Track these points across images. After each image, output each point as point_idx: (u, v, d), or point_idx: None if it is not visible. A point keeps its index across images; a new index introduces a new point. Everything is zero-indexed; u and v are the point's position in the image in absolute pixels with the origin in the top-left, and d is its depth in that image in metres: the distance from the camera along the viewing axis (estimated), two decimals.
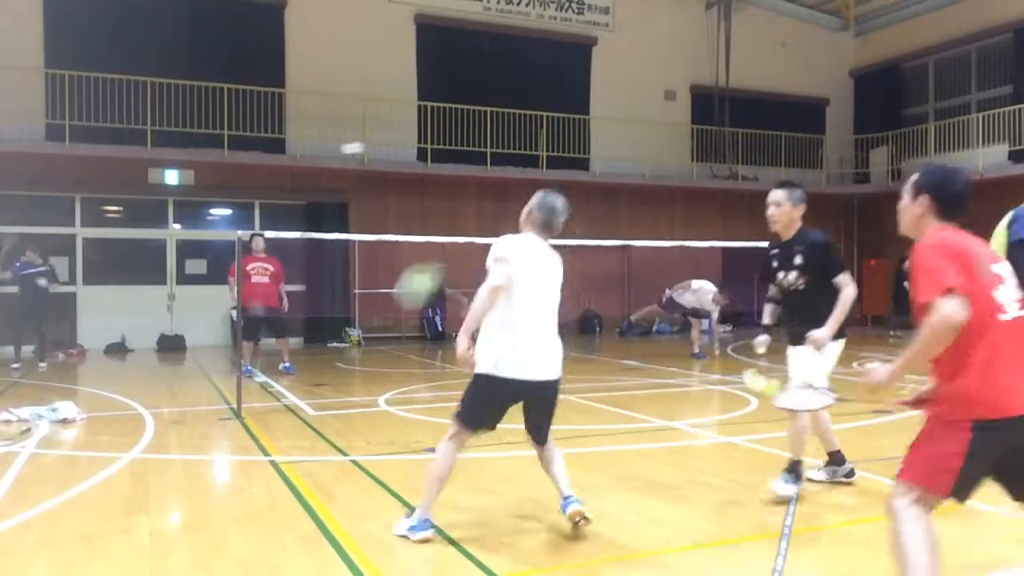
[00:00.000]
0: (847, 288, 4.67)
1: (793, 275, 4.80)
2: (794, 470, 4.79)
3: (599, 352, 14.82)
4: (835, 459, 5.10)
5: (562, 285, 4.21)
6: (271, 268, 11.29)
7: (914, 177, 3.04)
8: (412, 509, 4.15)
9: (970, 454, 2.70)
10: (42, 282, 12.59)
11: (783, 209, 4.82)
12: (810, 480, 4.99)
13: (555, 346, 4.11)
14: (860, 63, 22.83)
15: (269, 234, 10.89)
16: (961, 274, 2.64)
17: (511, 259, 3.99)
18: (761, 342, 5.15)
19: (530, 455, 5.67)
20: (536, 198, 4.24)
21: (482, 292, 3.90)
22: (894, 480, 2.93)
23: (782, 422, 7.41)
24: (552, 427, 4.22)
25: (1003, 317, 2.72)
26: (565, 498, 4.10)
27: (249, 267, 11.09)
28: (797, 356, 4.84)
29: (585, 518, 4.02)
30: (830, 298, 4.65)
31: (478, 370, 3.96)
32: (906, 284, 16.03)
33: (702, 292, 13.70)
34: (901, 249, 18.28)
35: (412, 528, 4.00)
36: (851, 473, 5.08)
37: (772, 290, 5.13)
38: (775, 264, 4.93)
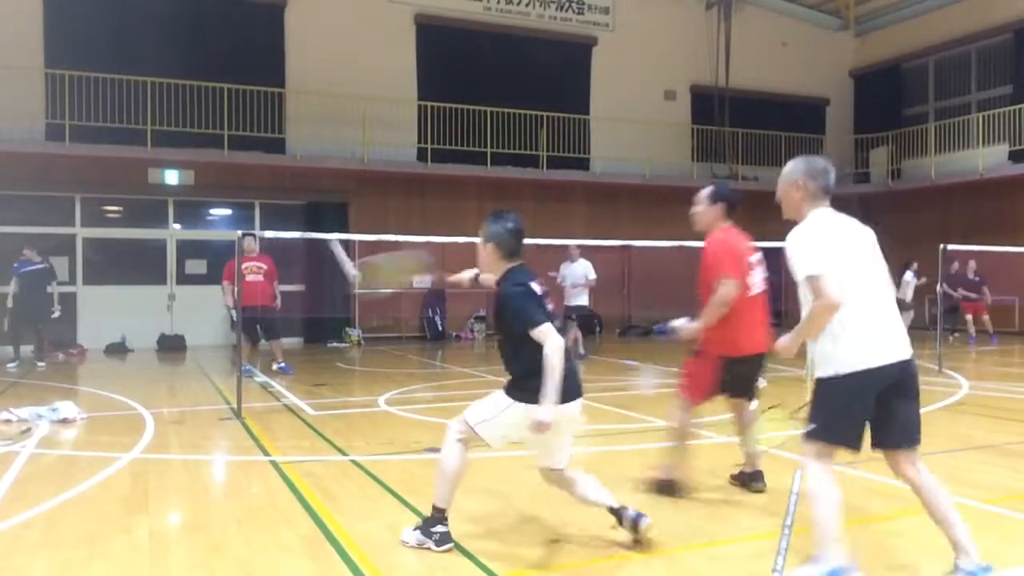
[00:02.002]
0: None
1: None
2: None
3: (599, 352, 14.81)
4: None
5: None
6: (264, 267, 11.27)
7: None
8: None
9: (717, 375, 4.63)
10: (49, 288, 12.63)
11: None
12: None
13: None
14: (860, 63, 22.84)
15: (269, 234, 10.88)
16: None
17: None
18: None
19: (530, 455, 5.68)
20: (799, 164, 3.54)
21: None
22: (676, 396, 4.71)
23: (782, 422, 7.42)
24: None
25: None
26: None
27: (243, 267, 11.06)
28: None
29: None
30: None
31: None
32: (951, 289, 15.90)
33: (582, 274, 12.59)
34: (909, 250, 18.29)
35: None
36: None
37: None
38: None
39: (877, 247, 3.50)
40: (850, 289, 3.24)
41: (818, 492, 3.28)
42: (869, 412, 3.30)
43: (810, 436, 3.36)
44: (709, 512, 4.56)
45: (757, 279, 4.81)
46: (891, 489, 4.97)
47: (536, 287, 3.90)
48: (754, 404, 4.82)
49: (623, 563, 3.77)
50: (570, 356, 3.85)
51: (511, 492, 4.97)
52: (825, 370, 3.33)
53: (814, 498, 3.30)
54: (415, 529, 3.95)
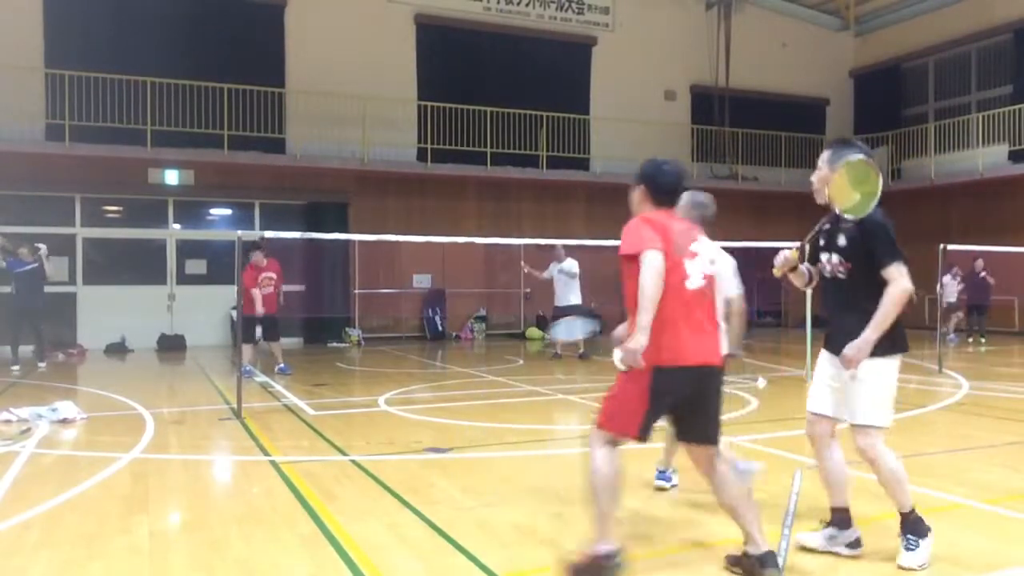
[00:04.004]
0: (895, 283, 3.53)
1: (835, 259, 3.76)
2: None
3: (599, 352, 14.80)
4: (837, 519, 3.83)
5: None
6: (274, 276, 11.34)
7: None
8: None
9: (652, 394, 3.34)
10: (46, 268, 12.53)
11: (821, 174, 3.80)
12: (803, 547, 3.84)
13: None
14: (860, 63, 22.85)
15: (269, 234, 10.87)
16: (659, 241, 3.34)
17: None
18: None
19: (530, 455, 5.67)
20: (686, 199, 4.36)
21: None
22: (592, 427, 3.54)
23: (782, 422, 7.42)
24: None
25: (689, 285, 3.43)
26: None
27: (259, 279, 11.14)
28: (838, 375, 3.73)
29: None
30: (878, 296, 3.56)
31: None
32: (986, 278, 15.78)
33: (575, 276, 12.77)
34: (909, 251, 18.26)
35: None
36: (856, 543, 3.76)
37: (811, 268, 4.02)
38: (821, 242, 3.86)
39: None
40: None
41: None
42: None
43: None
44: (709, 512, 4.56)
45: None
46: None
47: None
48: None
49: (623, 563, 3.77)
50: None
51: (511, 492, 4.97)
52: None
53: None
54: (911, 546, 3.60)
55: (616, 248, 3.44)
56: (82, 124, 14.97)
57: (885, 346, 3.57)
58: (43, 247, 12.57)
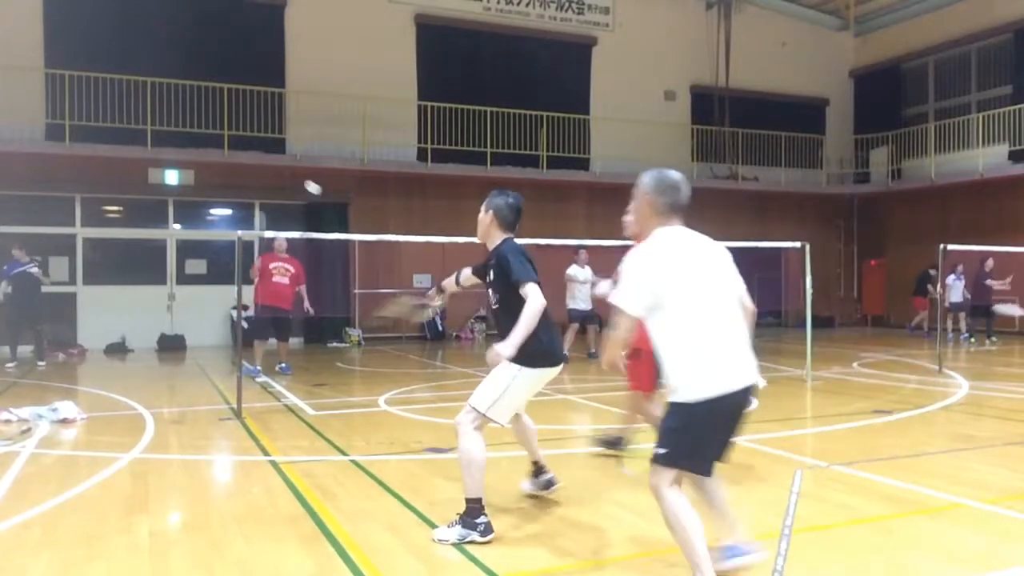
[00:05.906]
0: (530, 300, 3.99)
1: (490, 292, 4.34)
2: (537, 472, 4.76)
3: (599, 352, 14.81)
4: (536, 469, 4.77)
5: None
6: (292, 269, 11.24)
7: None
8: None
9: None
10: (36, 271, 12.58)
11: (479, 218, 4.38)
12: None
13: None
14: (860, 63, 22.84)
15: (268, 233, 10.90)
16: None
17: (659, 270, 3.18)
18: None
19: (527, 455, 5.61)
20: (649, 178, 3.54)
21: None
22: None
23: (783, 422, 7.42)
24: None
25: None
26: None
27: (271, 266, 11.07)
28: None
29: None
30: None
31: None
32: (988, 282, 15.68)
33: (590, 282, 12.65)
34: (910, 250, 18.25)
35: None
36: (550, 484, 4.74)
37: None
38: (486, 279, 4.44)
39: (732, 265, 3.40)
40: (695, 315, 3.12)
41: (679, 518, 3.16)
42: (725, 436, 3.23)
43: (659, 461, 3.17)
44: (709, 512, 4.56)
45: None
46: (890, 489, 4.98)
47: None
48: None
49: (623, 563, 3.78)
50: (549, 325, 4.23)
51: (510, 492, 4.97)
52: (680, 396, 3.15)
53: (675, 525, 3.18)
54: (453, 525, 4.01)
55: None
56: (82, 124, 14.97)
57: (517, 356, 4.04)
58: (36, 269, 12.62)
